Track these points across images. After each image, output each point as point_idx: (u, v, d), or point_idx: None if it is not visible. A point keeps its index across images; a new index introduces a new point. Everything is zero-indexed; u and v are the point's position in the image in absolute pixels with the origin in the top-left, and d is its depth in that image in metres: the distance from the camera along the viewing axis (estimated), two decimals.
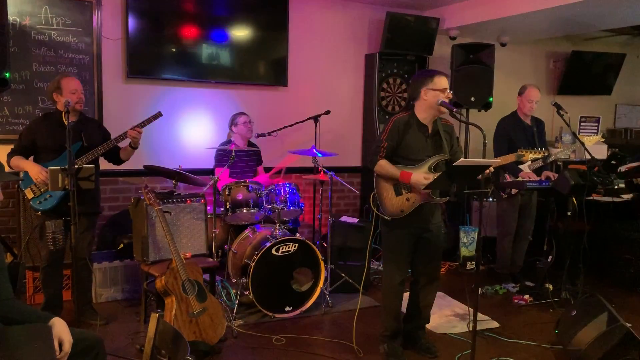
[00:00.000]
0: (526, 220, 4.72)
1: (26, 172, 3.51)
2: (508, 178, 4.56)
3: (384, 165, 3.16)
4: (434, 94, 3.10)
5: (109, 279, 4.26)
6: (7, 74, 3.92)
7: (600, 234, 4.86)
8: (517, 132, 4.58)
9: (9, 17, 4.05)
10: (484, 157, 2.99)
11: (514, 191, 4.55)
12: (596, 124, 6.37)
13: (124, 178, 4.81)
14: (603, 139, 4.54)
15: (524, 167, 4.48)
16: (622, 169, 4.75)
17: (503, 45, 6.25)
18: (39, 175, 3.44)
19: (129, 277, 4.31)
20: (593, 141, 4.36)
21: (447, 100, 3.08)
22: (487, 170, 2.96)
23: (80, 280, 3.59)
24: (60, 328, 2.03)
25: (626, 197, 4.86)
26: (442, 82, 3.11)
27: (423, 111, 3.18)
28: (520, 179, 4.42)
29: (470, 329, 3.68)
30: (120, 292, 4.29)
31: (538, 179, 4.44)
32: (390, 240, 3.32)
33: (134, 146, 3.79)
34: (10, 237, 4.31)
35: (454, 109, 3.09)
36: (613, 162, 4.26)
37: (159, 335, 1.70)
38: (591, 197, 4.60)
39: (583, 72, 6.88)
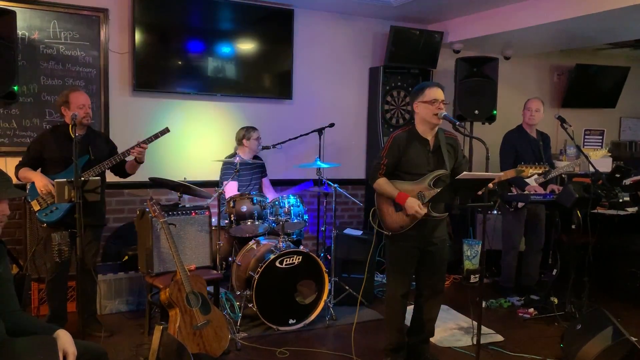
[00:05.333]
0: (535, 234, 4.71)
1: (33, 184, 3.54)
2: (514, 191, 4.56)
3: (382, 184, 3.19)
4: (424, 106, 3.12)
5: (114, 290, 4.27)
6: (16, 87, 3.98)
7: (605, 247, 4.84)
8: (523, 146, 4.61)
9: (18, 31, 4.11)
10: (487, 171, 2.99)
11: (519, 204, 4.54)
12: (601, 137, 6.37)
13: (129, 190, 4.83)
14: (609, 154, 4.56)
15: (530, 181, 4.48)
16: (627, 181, 4.73)
17: (507, 58, 6.29)
18: (45, 187, 3.47)
19: (133, 289, 4.32)
20: (599, 155, 4.37)
21: (438, 112, 3.07)
22: (490, 184, 2.96)
23: (85, 292, 3.61)
24: (64, 340, 2.05)
25: (631, 210, 4.84)
26: (432, 93, 3.11)
27: (420, 124, 3.20)
28: (527, 192, 4.43)
29: (475, 342, 3.67)
30: (124, 304, 4.30)
31: (544, 192, 4.44)
32: (393, 253, 3.33)
33: (138, 161, 3.82)
34: (16, 249, 4.34)
35: (457, 122, 3.11)
36: (617, 175, 4.25)
37: (162, 347, 1.71)
38: (596, 210, 4.59)
39: (587, 85, 6.89)
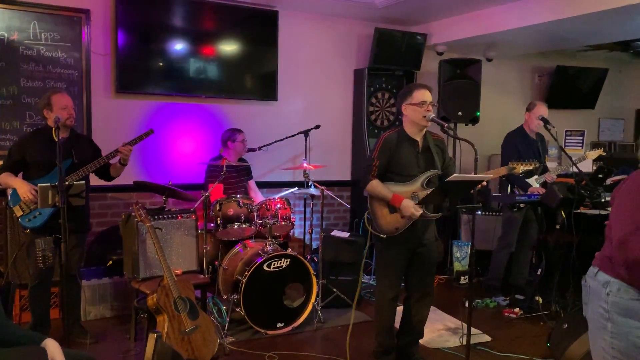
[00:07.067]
0: (527, 232, 4.76)
1: (14, 190, 3.45)
2: (517, 192, 4.61)
3: (375, 186, 3.16)
4: (413, 109, 3.12)
5: (98, 296, 4.20)
6: None
7: (588, 246, 4.90)
8: (525, 146, 4.64)
9: None
10: (475, 172, 3.01)
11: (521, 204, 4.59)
12: (581, 138, 6.47)
13: (113, 194, 4.75)
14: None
15: (532, 182, 4.54)
16: (608, 181, 4.82)
17: (489, 60, 6.34)
18: (27, 194, 3.38)
19: (118, 294, 4.25)
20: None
21: (427, 115, 3.08)
22: (479, 185, 2.98)
23: (70, 298, 3.54)
24: (53, 349, 2.00)
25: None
26: (421, 95, 3.11)
27: (409, 126, 3.20)
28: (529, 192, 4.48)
29: (463, 342, 3.69)
30: (109, 310, 4.23)
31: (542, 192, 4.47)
32: (384, 256, 3.32)
33: (123, 163, 3.76)
34: None
35: (445, 125, 3.12)
36: (600, 175, 4.32)
37: (157, 356, 1.68)
38: (579, 210, 4.65)
39: (567, 87, 6.99)
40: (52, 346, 2.00)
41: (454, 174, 2.90)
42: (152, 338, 1.70)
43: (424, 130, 3.21)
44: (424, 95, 3.12)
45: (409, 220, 3.11)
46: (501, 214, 5.12)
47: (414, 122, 3.16)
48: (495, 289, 4.84)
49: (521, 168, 3.20)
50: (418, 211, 3.04)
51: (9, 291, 3.49)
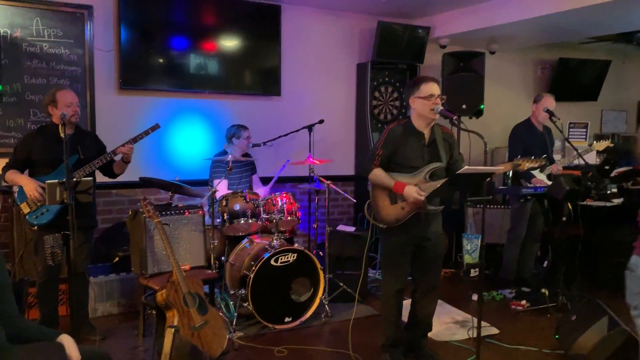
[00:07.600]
0: (536, 224, 4.77)
1: (21, 187, 3.44)
2: (523, 184, 4.62)
3: (378, 174, 3.16)
4: (421, 102, 3.10)
5: (105, 293, 4.19)
6: None
7: (593, 238, 4.92)
8: (531, 139, 4.63)
9: None
10: (485, 165, 2.99)
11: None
12: (584, 130, 6.47)
13: (118, 190, 4.75)
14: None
15: (537, 173, 4.54)
16: (613, 173, 4.82)
17: (492, 53, 6.33)
18: (34, 191, 3.37)
19: (124, 290, 4.25)
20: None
21: (435, 108, 3.06)
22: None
23: (78, 295, 3.53)
24: (69, 345, 2.00)
25: (617, 201, 4.92)
26: (428, 88, 3.09)
27: (416, 119, 3.19)
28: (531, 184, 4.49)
29: (471, 335, 3.70)
30: (116, 306, 4.23)
31: (546, 184, 4.47)
32: (387, 248, 3.32)
33: (125, 161, 3.74)
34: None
35: (454, 117, 3.11)
36: (607, 167, 4.33)
37: (175, 351, 1.68)
38: (584, 202, 4.66)
39: (570, 79, 6.98)
40: (67, 342, 2.01)
41: (465, 167, 2.88)
42: (169, 332, 1.69)
43: (432, 123, 3.19)
44: (431, 88, 3.10)
45: (410, 211, 3.10)
46: (508, 206, 5.11)
47: (422, 115, 3.14)
48: (510, 282, 4.83)
49: (526, 165, 3.19)
50: (422, 194, 3.01)
51: (22, 288, 3.48)
